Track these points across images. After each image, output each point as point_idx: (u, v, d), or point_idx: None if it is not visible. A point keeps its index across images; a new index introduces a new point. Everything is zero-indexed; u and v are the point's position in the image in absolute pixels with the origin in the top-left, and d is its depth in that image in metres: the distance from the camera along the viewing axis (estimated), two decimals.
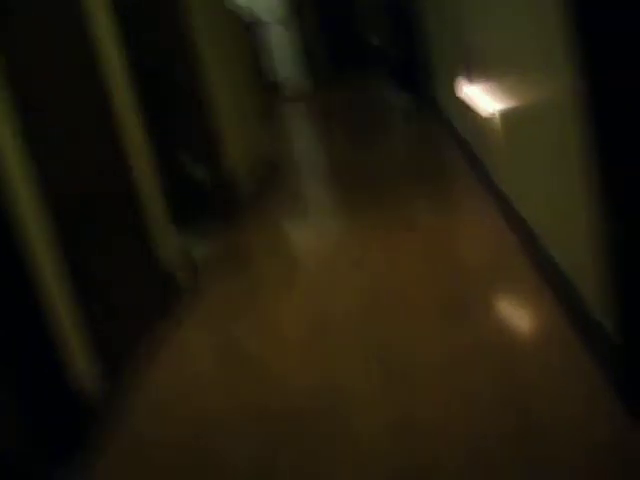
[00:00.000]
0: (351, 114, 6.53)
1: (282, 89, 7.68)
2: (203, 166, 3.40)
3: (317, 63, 8.09)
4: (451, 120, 4.52)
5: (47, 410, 1.90)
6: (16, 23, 1.95)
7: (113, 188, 2.50)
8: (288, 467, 1.80)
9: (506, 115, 2.57)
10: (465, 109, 3.39)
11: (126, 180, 2.57)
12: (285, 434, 1.92)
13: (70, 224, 2.09)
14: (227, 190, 3.59)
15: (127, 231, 2.59)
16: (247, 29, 5.58)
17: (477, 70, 3.12)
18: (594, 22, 1.49)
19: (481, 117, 2.97)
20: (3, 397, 1.74)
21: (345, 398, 2.04)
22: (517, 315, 2.32)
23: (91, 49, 2.39)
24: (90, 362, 2.08)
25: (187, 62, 3.41)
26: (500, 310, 2.37)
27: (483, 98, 2.91)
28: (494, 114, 2.72)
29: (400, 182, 3.97)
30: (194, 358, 2.51)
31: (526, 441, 1.67)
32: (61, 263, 1.98)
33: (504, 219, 2.90)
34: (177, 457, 1.93)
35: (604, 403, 1.70)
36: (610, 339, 1.70)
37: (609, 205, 1.57)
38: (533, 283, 2.37)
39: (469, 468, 1.63)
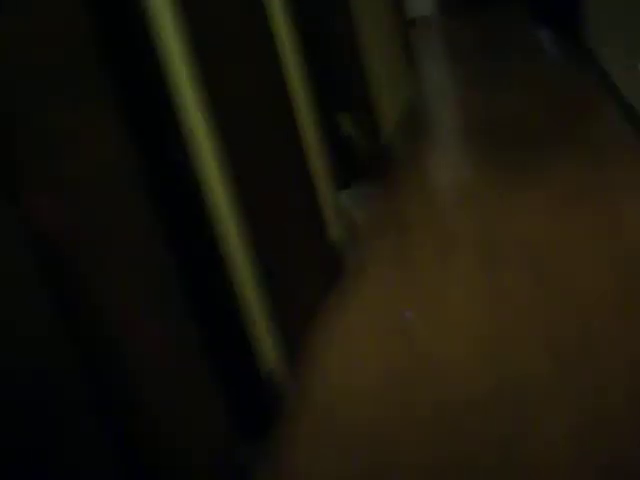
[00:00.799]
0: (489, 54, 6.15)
1: (418, 25, 7.34)
2: (361, 129, 3.32)
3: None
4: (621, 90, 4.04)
5: (240, 393, 1.96)
6: None
7: (286, 162, 2.49)
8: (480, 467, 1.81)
9: None
10: None
11: (298, 151, 2.55)
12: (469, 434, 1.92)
13: (253, 208, 2.10)
14: (384, 154, 3.51)
15: (300, 208, 2.58)
16: None
17: None
18: None
19: None
20: (206, 384, 1.81)
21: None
22: None
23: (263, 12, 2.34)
24: (275, 346, 2.12)
25: (346, 13, 3.29)
26: None
27: None
28: None
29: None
30: (362, 340, 2.51)
31: None
32: (248, 246, 2.01)
33: None
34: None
35: None
36: None
37: None
38: None
39: None
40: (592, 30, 4.72)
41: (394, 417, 2.05)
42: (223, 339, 1.94)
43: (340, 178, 3.11)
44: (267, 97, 2.36)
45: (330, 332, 2.47)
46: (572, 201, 2.99)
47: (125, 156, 1.54)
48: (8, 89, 1.23)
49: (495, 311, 2.38)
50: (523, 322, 2.30)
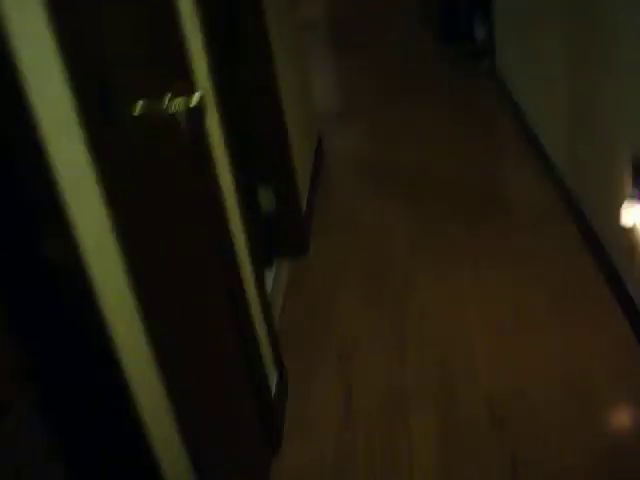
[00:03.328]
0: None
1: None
2: (282, 200, 3.07)
3: None
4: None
5: None
6: None
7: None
8: None
9: None
10: None
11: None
12: None
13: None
14: (295, 215, 3.21)
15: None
16: None
17: None
18: None
19: None
20: None
21: None
22: None
23: None
24: None
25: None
26: None
27: None
28: None
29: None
30: None
31: None
32: None
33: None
34: None
35: None
36: None
37: None
38: None
39: None
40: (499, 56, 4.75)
41: None
42: None
43: (261, 257, 2.88)
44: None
45: None
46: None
47: None
48: None
49: None
50: None
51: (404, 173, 3.88)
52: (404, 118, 4.62)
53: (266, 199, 3.03)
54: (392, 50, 6.14)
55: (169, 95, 1.44)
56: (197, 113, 1.60)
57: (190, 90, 1.58)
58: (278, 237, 3.13)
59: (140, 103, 1.27)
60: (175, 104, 1.47)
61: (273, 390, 2.19)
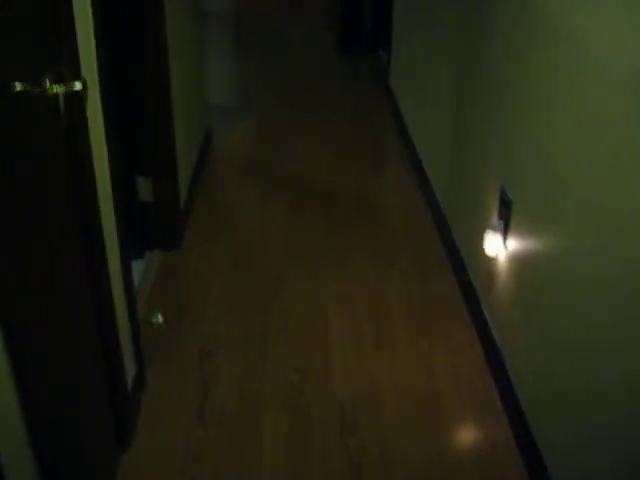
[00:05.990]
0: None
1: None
2: (162, 194, 3.05)
3: None
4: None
5: None
6: None
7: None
8: None
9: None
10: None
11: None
12: None
13: None
14: (171, 204, 3.13)
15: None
16: None
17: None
18: None
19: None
20: None
21: None
22: None
23: None
24: None
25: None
26: None
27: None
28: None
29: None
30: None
31: None
32: None
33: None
34: None
35: None
36: None
37: None
38: None
39: None
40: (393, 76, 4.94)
41: None
42: None
43: (134, 247, 2.85)
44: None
45: None
46: None
47: None
48: None
49: None
50: None
51: (288, 178, 3.96)
52: (294, 121, 4.72)
53: (144, 189, 2.99)
54: (292, 54, 6.21)
55: (50, 78, 1.42)
56: (78, 98, 1.59)
57: (74, 75, 1.57)
58: (153, 229, 3.10)
59: (17, 84, 1.25)
60: (56, 88, 1.45)
61: (130, 383, 2.18)
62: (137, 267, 2.83)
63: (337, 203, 3.67)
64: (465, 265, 2.88)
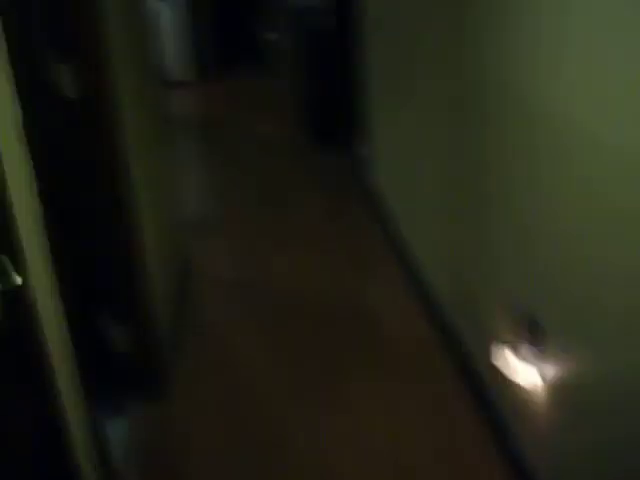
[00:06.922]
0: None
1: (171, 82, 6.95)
2: (124, 324, 2.64)
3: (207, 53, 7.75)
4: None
5: None
6: None
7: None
8: None
9: None
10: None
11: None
12: None
13: None
14: (151, 352, 2.75)
15: None
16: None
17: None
18: None
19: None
20: None
21: None
22: None
23: None
24: None
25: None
26: None
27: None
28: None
29: None
30: None
31: None
32: None
33: None
34: None
35: None
36: None
37: None
38: None
39: None
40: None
41: None
42: None
43: (106, 403, 2.47)
44: None
45: None
46: None
47: None
48: None
49: None
50: None
51: (278, 301, 3.56)
52: (272, 231, 4.41)
53: (121, 339, 2.68)
54: (263, 153, 5.92)
55: None
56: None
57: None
58: (133, 380, 2.77)
59: None
60: None
61: None
62: (119, 425, 2.50)
63: (335, 330, 3.22)
64: (484, 381, 2.55)
